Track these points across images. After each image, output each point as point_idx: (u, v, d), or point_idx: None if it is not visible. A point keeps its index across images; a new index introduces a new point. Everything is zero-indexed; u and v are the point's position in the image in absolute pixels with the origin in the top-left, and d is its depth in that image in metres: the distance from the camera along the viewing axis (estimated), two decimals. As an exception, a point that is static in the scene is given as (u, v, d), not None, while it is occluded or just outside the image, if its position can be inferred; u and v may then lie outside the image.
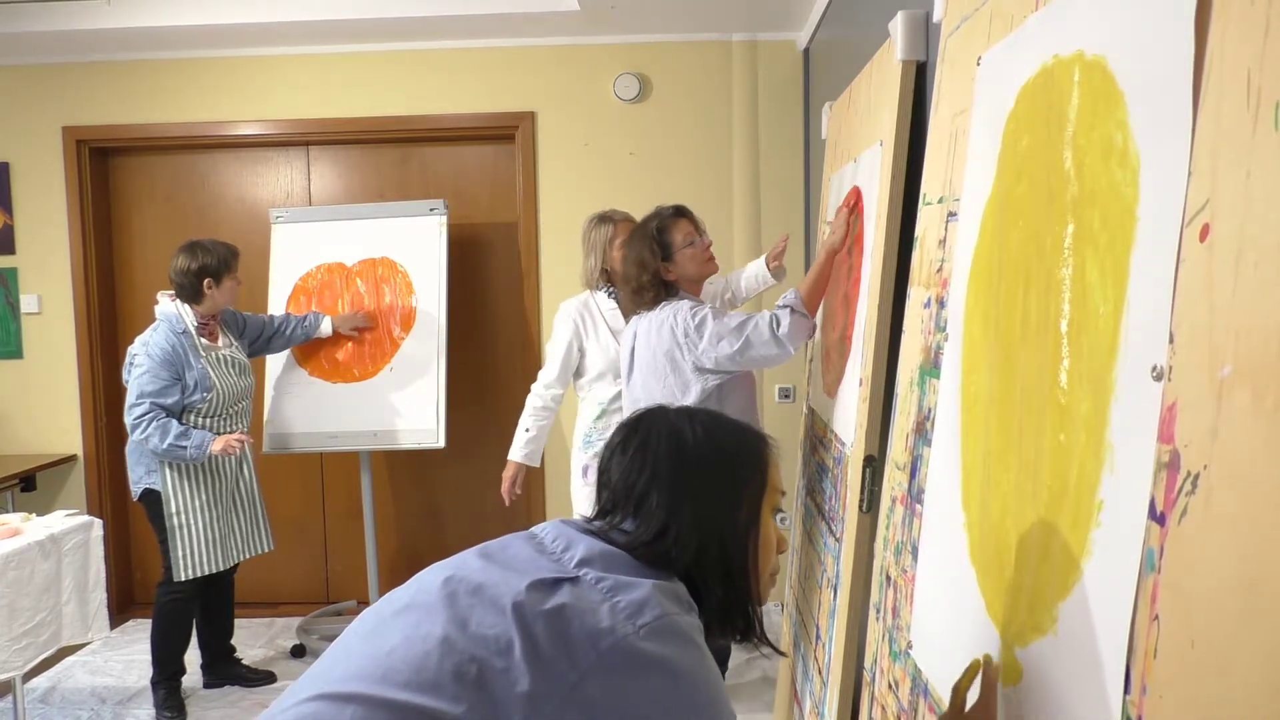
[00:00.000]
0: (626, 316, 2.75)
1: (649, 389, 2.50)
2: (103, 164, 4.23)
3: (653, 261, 2.53)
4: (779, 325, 2.32)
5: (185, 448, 3.07)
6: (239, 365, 3.29)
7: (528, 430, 3.09)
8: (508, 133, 4.04)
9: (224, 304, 3.27)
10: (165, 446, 3.06)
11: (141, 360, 3.12)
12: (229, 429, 3.23)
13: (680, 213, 2.59)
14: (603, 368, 3.00)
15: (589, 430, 3.03)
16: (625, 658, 0.97)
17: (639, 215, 3.97)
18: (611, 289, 3.06)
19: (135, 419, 3.07)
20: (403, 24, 3.75)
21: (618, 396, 2.90)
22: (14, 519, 2.87)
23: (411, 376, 3.67)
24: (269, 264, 3.87)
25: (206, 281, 3.18)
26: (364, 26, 3.76)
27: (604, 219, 3.10)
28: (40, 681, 3.52)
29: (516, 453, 3.10)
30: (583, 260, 3.12)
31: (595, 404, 3.02)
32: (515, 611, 0.99)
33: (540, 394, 3.07)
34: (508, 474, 3.11)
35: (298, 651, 3.78)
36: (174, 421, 3.08)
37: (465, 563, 1.10)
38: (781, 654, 1.27)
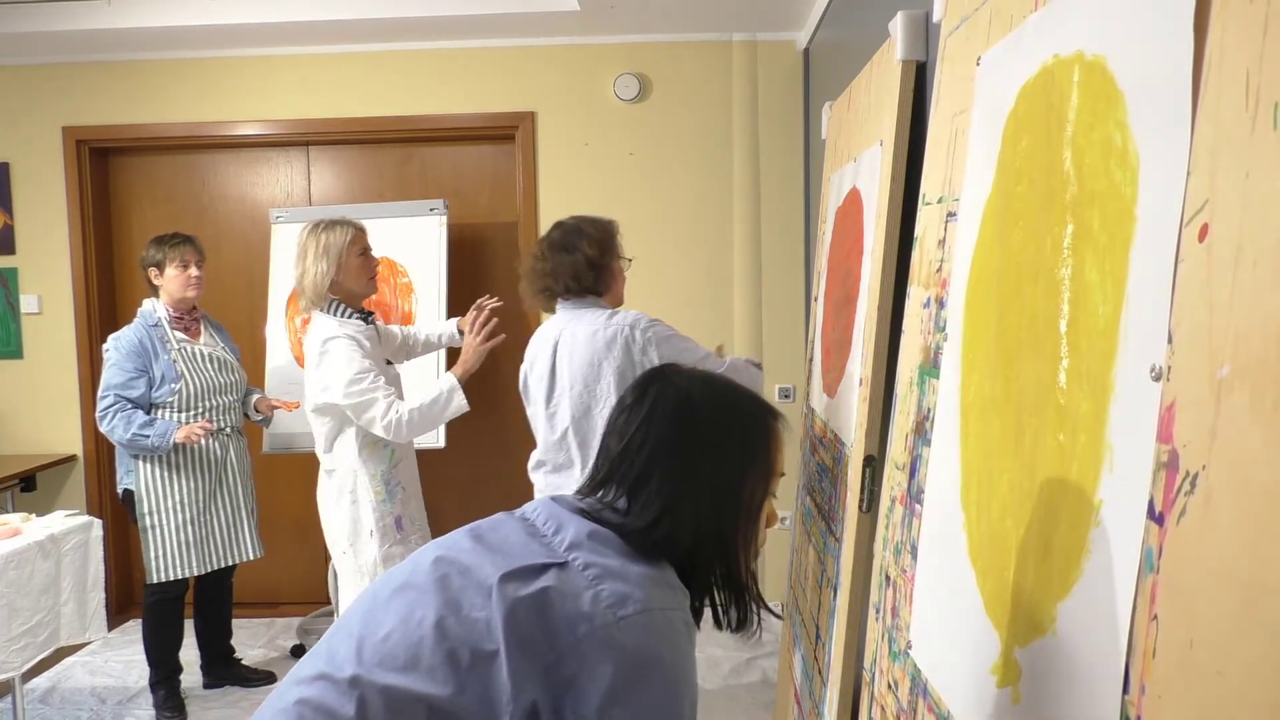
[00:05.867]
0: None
1: (586, 415, 2.35)
2: (103, 164, 4.22)
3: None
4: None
5: (148, 437, 3.02)
6: (218, 361, 3.24)
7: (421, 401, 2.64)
8: (508, 133, 4.04)
9: (178, 293, 3.18)
10: (128, 437, 3.02)
11: (110, 354, 3.11)
12: None
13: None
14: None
15: (386, 474, 2.73)
16: (600, 646, 0.98)
17: (639, 214, 4.03)
18: (346, 308, 2.71)
19: (101, 412, 3.05)
20: (403, 24, 3.75)
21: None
22: (14, 519, 2.86)
23: (411, 377, 3.67)
24: (269, 264, 3.87)
25: (151, 272, 3.19)
26: (364, 26, 3.76)
27: (339, 222, 2.74)
28: (40, 681, 3.52)
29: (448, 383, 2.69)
30: (304, 269, 2.69)
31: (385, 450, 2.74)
32: (500, 595, 1.01)
33: (399, 408, 2.62)
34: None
35: (297, 651, 3.78)
36: (139, 412, 3.05)
37: (456, 543, 1.11)
38: (777, 615, 1.27)
